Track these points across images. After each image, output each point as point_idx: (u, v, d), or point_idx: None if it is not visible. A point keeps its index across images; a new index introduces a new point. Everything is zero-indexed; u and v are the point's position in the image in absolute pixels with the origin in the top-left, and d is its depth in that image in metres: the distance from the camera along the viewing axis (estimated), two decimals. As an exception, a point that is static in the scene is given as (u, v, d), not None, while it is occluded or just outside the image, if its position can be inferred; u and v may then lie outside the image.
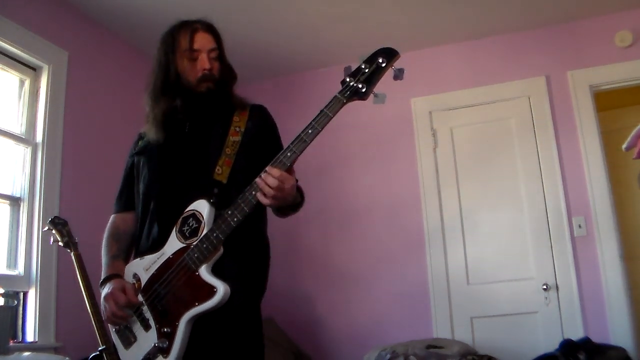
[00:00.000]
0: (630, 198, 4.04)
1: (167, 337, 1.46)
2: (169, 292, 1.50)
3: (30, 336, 2.60)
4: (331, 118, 1.44)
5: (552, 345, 2.97)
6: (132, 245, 1.72)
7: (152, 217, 1.63)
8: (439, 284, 3.50)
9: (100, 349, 2.05)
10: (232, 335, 1.53)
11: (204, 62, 1.65)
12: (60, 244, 2.22)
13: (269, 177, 1.42)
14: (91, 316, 2.11)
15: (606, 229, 3.27)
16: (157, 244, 1.57)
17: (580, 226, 3.32)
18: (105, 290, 1.59)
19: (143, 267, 1.57)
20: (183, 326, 1.45)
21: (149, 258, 1.57)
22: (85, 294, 2.15)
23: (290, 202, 1.54)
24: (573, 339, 2.92)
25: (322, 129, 1.44)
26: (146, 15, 3.23)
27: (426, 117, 3.75)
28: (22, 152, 2.82)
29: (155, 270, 1.54)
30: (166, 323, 1.48)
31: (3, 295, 2.42)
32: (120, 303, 1.52)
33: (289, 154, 1.44)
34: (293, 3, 3.24)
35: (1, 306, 2.32)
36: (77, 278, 2.17)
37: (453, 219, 3.57)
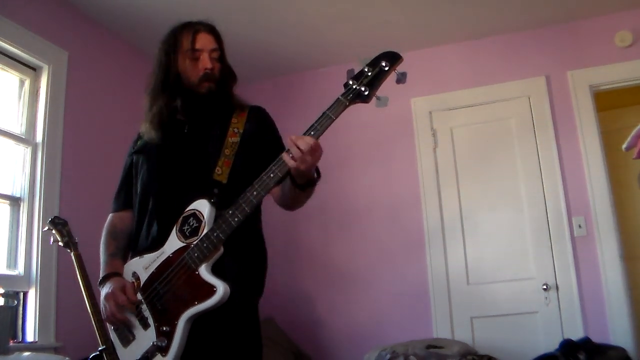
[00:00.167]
0: (630, 198, 4.05)
1: (165, 336, 1.46)
2: (169, 291, 1.50)
3: (30, 336, 2.60)
4: (333, 120, 1.43)
5: (552, 345, 2.97)
6: (129, 243, 1.72)
7: (151, 216, 1.63)
8: (439, 284, 3.49)
9: (100, 349, 2.05)
10: (230, 335, 1.54)
11: (205, 62, 1.66)
12: (60, 244, 2.22)
13: (300, 140, 1.40)
14: (91, 316, 2.11)
15: (606, 229, 3.26)
16: (157, 243, 1.57)
17: (580, 226, 3.32)
18: (105, 290, 1.59)
19: (142, 266, 1.57)
20: (182, 325, 1.45)
21: (148, 257, 1.57)
22: (85, 294, 2.14)
23: (312, 176, 1.52)
24: (573, 339, 2.92)
25: (324, 131, 1.43)
26: (146, 15, 3.23)
27: (426, 117, 3.75)
28: (22, 152, 2.82)
29: (155, 269, 1.54)
30: (165, 322, 1.48)
31: (3, 295, 2.42)
32: (121, 303, 1.53)
33: None
34: (293, 3, 3.24)
35: (1, 306, 2.32)
36: (77, 278, 2.17)
37: (453, 219, 3.57)
